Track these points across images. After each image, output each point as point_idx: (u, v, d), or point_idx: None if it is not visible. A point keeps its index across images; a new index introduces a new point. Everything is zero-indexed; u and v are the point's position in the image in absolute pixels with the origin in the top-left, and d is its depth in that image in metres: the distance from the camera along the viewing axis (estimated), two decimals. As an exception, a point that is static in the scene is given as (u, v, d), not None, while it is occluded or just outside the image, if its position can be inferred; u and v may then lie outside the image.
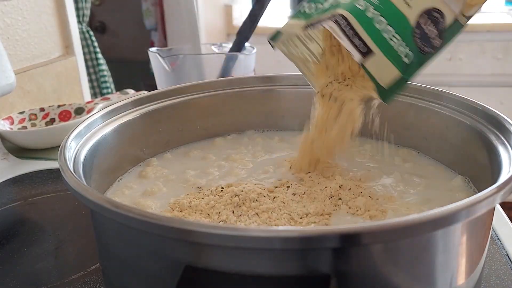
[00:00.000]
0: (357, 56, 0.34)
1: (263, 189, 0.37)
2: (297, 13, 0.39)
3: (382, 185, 0.40)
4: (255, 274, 0.24)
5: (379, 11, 0.35)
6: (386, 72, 0.35)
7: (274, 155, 0.46)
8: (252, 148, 0.48)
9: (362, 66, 0.34)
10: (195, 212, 0.35)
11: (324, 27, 0.35)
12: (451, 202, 0.25)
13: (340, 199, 0.37)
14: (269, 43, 0.40)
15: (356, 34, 0.34)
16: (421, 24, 0.35)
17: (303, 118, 0.52)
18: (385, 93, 0.35)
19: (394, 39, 0.34)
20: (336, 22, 0.34)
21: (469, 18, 0.37)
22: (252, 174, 0.43)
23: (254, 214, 0.34)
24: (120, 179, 0.43)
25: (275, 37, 0.40)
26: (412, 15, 0.35)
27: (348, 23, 0.34)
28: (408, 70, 0.35)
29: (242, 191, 0.36)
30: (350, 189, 0.38)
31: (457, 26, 0.37)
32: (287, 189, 0.38)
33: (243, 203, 0.35)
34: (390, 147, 0.47)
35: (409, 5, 0.35)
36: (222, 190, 0.37)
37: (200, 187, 0.40)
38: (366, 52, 0.34)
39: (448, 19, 0.36)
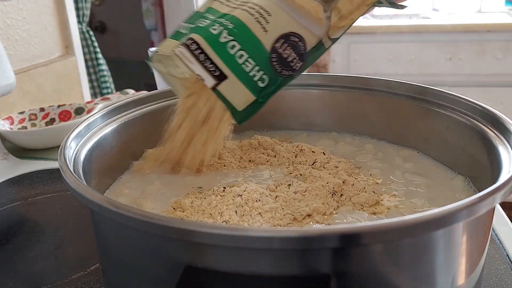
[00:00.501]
0: (208, 80, 0.35)
1: (265, 189, 0.37)
2: (175, 33, 0.39)
3: (383, 184, 0.40)
4: (255, 274, 0.24)
5: (233, 35, 0.35)
6: (240, 95, 0.36)
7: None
8: (252, 147, 0.48)
9: (214, 90, 0.35)
10: (197, 212, 0.35)
11: (175, 54, 0.36)
12: (453, 202, 0.25)
13: (342, 195, 0.37)
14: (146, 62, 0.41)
15: (208, 58, 0.35)
16: (277, 49, 0.35)
17: (303, 118, 0.52)
18: (239, 114, 0.36)
19: (248, 64, 0.35)
20: (186, 46, 0.35)
21: (334, 40, 0.37)
22: (252, 173, 0.42)
23: (257, 214, 0.34)
24: (119, 178, 0.43)
25: (152, 57, 0.40)
26: (268, 40, 0.35)
27: (199, 48, 0.35)
28: (263, 93, 0.36)
29: (244, 190, 0.36)
30: (353, 184, 0.38)
31: (321, 48, 0.37)
32: (288, 188, 0.38)
33: (246, 203, 0.35)
34: (392, 147, 0.47)
35: (266, 30, 0.35)
36: (224, 190, 0.37)
37: (201, 187, 0.40)
38: (218, 75, 0.35)
39: (310, 42, 0.36)
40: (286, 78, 0.37)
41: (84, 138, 0.38)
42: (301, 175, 0.41)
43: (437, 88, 0.44)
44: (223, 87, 0.35)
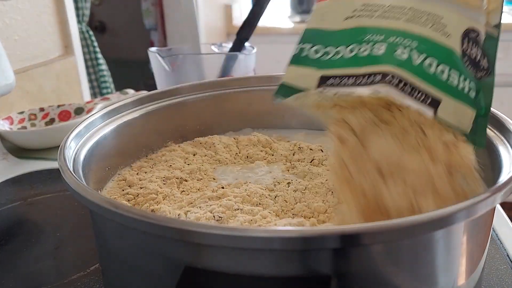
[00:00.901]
0: (428, 112, 0.29)
1: (263, 189, 0.37)
2: (300, 58, 0.33)
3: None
4: (255, 275, 0.24)
5: (424, 52, 0.29)
6: (462, 114, 0.30)
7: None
8: (252, 146, 0.48)
9: (437, 118, 0.29)
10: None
11: (376, 92, 0.29)
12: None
13: None
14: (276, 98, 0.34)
15: (414, 88, 0.29)
16: (466, 50, 0.30)
17: (303, 118, 0.52)
18: (471, 136, 0.30)
19: (452, 76, 0.30)
20: (389, 82, 0.29)
21: (497, 26, 0.32)
22: (252, 171, 0.42)
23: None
24: (119, 177, 0.43)
25: (281, 92, 0.33)
26: (455, 43, 0.30)
27: (400, 80, 0.29)
28: (481, 104, 0.31)
29: (245, 191, 0.36)
30: None
31: (491, 39, 0.32)
32: (288, 186, 0.38)
33: (245, 207, 0.35)
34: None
35: (448, 34, 0.30)
36: (223, 189, 0.37)
37: (199, 189, 0.40)
38: (431, 102, 0.29)
39: (482, 34, 0.31)
40: (481, 81, 0.31)
41: (84, 138, 0.38)
42: (299, 172, 0.41)
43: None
44: (441, 113, 0.29)
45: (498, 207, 0.49)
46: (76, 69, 1.06)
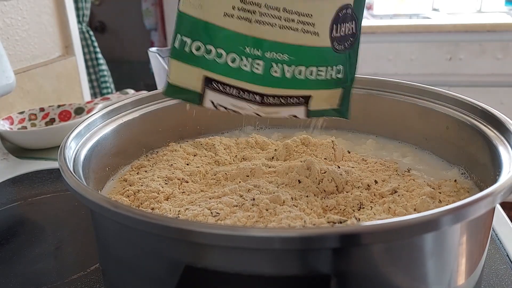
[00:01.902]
0: (302, 111, 0.33)
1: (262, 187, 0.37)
2: (182, 53, 0.32)
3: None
4: (255, 274, 0.24)
5: (293, 64, 0.32)
6: (330, 98, 0.35)
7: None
8: (253, 145, 0.48)
9: (310, 112, 0.34)
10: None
11: (258, 115, 0.33)
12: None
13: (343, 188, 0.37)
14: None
15: (287, 97, 0.33)
16: (335, 36, 0.33)
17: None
18: (340, 110, 0.35)
19: (321, 72, 0.34)
20: (264, 103, 0.33)
21: None
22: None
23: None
24: (119, 177, 0.43)
25: (169, 93, 0.33)
26: (325, 39, 0.33)
27: (274, 96, 0.33)
28: (347, 78, 0.35)
29: (244, 189, 0.36)
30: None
31: None
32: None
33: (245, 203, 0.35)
34: (391, 143, 0.47)
35: (317, 33, 0.32)
36: (223, 188, 0.37)
37: (202, 190, 0.40)
38: (303, 101, 0.33)
39: (352, 2, 0.33)
40: (352, 48, 0.34)
41: (84, 138, 0.38)
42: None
43: (437, 88, 0.44)
44: (313, 106, 0.34)
45: (498, 207, 0.49)
46: (76, 69, 1.06)
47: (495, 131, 0.36)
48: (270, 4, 0.31)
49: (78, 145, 0.37)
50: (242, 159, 0.45)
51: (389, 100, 0.46)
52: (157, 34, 2.06)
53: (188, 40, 0.31)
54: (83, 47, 1.34)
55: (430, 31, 1.79)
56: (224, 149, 0.46)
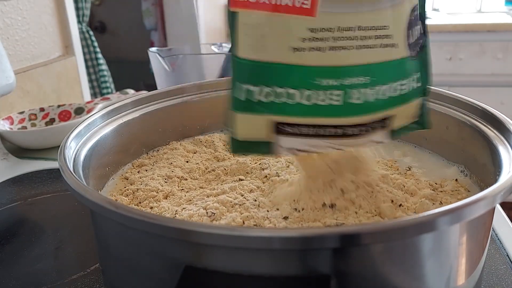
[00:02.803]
0: (382, 135, 0.30)
1: (259, 186, 0.37)
2: (251, 104, 0.28)
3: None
4: (255, 274, 0.24)
5: (377, 84, 0.29)
6: (412, 110, 0.32)
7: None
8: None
9: (393, 132, 0.31)
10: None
11: (334, 149, 0.29)
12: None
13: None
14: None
15: (367, 124, 0.29)
16: (411, 43, 0.31)
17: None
18: (421, 122, 0.33)
19: (403, 86, 0.30)
20: (342, 135, 0.29)
21: None
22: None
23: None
24: (119, 177, 0.43)
25: (240, 149, 0.29)
26: (402, 50, 0.30)
27: (354, 125, 0.29)
28: (424, 85, 0.32)
29: (242, 188, 0.36)
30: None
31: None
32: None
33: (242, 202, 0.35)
34: (392, 142, 0.47)
35: (394, 45, 0.30)
36: (221, 186, 0.37)
37: (201, 187, 0.40)
38: (384, 124, 0.30)
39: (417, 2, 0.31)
40: (424, 49, 0.32)
41: (84, 138, 0.38)
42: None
43: (437, 88, 0.44)
44: (396, 124, 0.31)
45: (498, 207, 0.49)
46: (76, 69, 1.06)
47: (495, 131, 0.36)
48: (344, 26, 0.27)
49: (78, 145, 0.37)
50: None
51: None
52: (157, 34, 2.06)
53: (254, 88, 0.27)
54: (83, 47, 1.34)
55: (430, 31, 1.77)
56: (224, 145, 0.46)
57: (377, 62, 0.29)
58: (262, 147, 0.29)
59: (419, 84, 0.32)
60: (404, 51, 0.30)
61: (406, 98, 0.31)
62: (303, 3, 0.27)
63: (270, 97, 0.27)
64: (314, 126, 0.28)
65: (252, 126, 0.28)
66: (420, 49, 0.32)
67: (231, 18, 0.27)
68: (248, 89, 0.27)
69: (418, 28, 0.31)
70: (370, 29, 0.28)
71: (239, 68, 0.28)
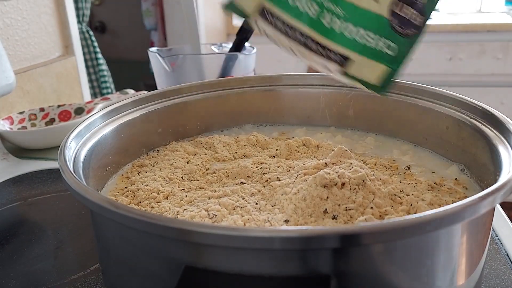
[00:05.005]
0: (335, 68, 0.35)
1: (259, 189, 0.37)
2: None
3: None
4: (255, 274, 0.24)
5: (347, 21, 0.35)
6: (373, 71, 0.35)
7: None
8: (254, 143, 0.48)
9: (346, 74, 0.35)
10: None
11: (293, 52, 0.35)
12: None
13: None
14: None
15: (327, 48, 0.35)
16: (396, 11, 0.34)
17: (303, 117, 0.52)
18: (378, 88, 0.36)
19: (370, 38, 0.35)
20: (304, 44, 0.35)
21: None
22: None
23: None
24: (119, 177, 0.43)
25: (229, 9, 0.37)
26: (383, 8, 0.34)
27: (316, 42, 0.35)
28: (396, 60, 0.35)
29: (243, 190, 0.36)
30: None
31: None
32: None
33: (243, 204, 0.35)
34: (391, 141, 0.47)
35: (377, 0, 0.34)
36: (223, 188, 0.37)
37: (202, 188, 0.40)
38: (342, 61, 0.35)
39: None
40: (412, 37, 0.35)
41: (84, 138, 0.38)
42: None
43: (437, 88, 0.44)
44: (353, 70, 0.35)
45: (498, 207, 0.49)
46: (76, 69, 1.06)
47: (495, 131, 0.36)
48: None
49: (78, 145, 0.37)
50: (243, 156, 0.45)
51: (389, 100, 0.46)
52: (157, 34, 2.05)
53: None
54: (83, 47, 1.34)
55: (430, 31, 1.79)
56: (224, 146, 0.46)
57: (354, 3, 0.35)
58: (245, 15, 0.37)
59: (390, 53, 0.35)
60: (384, 11, 0.34)
61: (370, 53, 0.35)
62: None
63: None
64: (287, 25, 0.35)
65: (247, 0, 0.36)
66: (411, 34, 0.35)
67: None
68: None
69: (413, 13, 0.35)
70: None
71: None
